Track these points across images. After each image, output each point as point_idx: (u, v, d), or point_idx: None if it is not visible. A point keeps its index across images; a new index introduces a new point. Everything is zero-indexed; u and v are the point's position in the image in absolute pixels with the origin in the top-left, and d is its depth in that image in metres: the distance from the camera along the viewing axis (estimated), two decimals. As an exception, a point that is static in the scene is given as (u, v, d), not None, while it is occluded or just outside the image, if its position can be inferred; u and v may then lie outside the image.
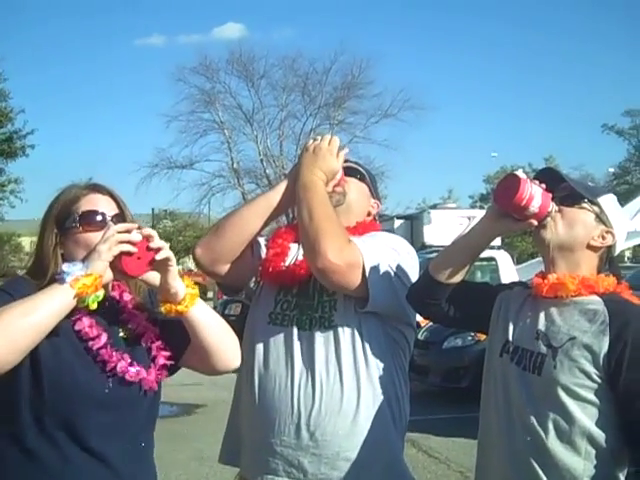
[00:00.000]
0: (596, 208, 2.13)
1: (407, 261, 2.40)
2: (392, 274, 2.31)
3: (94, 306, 1.84)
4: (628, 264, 17.71)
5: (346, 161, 2.48)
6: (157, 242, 1.89)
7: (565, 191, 2.14)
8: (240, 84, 34.40)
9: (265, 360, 2.38)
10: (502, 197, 2.10)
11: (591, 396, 1.97)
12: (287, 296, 2.43)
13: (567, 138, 73.54)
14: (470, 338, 9.22)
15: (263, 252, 2.52)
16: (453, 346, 9.32)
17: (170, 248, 1.94)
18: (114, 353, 1.95)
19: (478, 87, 74.61)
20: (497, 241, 17.86)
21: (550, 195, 2.09)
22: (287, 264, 2.45)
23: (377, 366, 2.33)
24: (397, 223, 18.09)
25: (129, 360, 1.97)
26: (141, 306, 2.08)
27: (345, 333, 2.32)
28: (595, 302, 2.04)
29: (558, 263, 2.12)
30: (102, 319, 1.98)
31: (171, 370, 2.09)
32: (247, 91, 34.32)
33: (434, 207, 21.33)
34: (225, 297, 13.49)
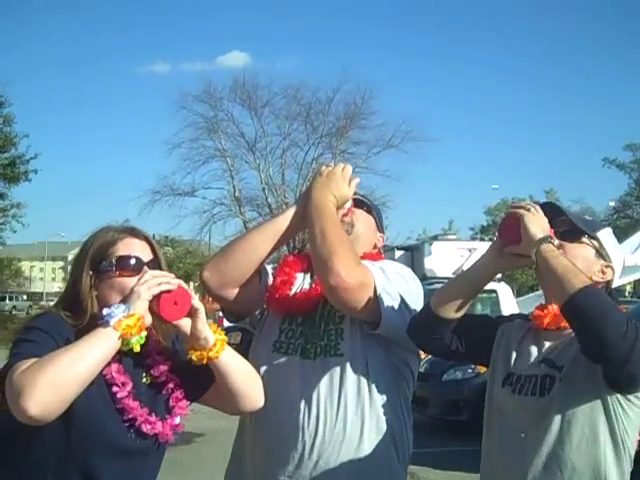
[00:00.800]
0: (596, 243, 2.16)
1: (413, 288, 2.43)
2: (400, 298, 2.33)
3: (137, 348, 1.86)
4: (629, 298, 17.67)
5: (354, 193, 2.50)
6: (190, 290, 1.93)
7: (565, 226, 2.17)
8: (243, 112, 34.57)
9: (269, 389, 2.36)
10: (507, 234, 2.13)
11: (599, 411, 1.98)
12: (292, 325, 2.44)
13: (568, 171, 74.09)
14: (470, 371, 9.18)
15: (270, 280, 2.54)
16: (453, 378, 9.28)
17: None
18: (136, 404, 1.96)
19: (479, 119, 75.19)
20: (498, 273, 17.76)
21: (552, 231, 2.11)
22: (293, 292, 2.48)
23: (381, 396, 2.34)
24: (397, 254, 18.06)
25: (147, 412, 1.98)
26: (166, 353, 2.09)
27: (351, 362, 2.32)
28: None
29: None
30: (128, 365, 1.99)
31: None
32: (250, 119, 34.47)
33: (435, 238, 21.28)
34: (226, 325, 13.45)
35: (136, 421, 1.96)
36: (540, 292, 2.42)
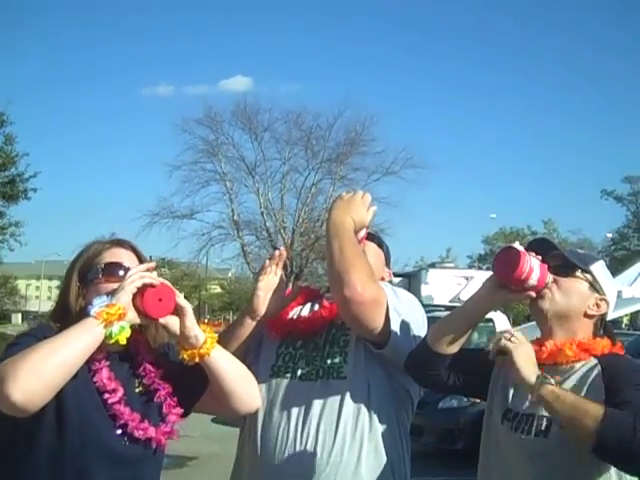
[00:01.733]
0: (589, 276, 2.16)
1: (420, 316, 2.46)
2: (409, 322, 2.35)
3: (123, 341, 1.88)
4: (625, 331, 17.64)
5: (367, 228, 2.55)
6: (174, 288, 1.98)
7: (558, 260, 2.17)
8: (244, 136, 34.75)
9: (268, 412, 2.38)
10: (502, 270, 2.12)
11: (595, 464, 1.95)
12: (289, 348, 2.47)
13: (566, 202, 74.27)
14: (466, 400, 9.09)
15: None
16: (448, 407, 9.23)
17: None
18: (127, 410, 1.98)
19: (478, 148, 75.58)
20: (493, 309, 17.71)
21: (547, 267, 2.12)
22: (292, 316, 2.53)
23: (381, 421, 2.34)
24: (395, 281, 18.08)
25: (139, 418, 1.99)
26: (158, 360, 2.11)
27: (353, 385, 2.33)
28: (591, 363, 2.07)
29: (556, 331, 2.14)
30: (120, 373, 2.02)
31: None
32: (250, 143, 34.65)
33: (432, 266, 21.31)
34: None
35: (128, 427, 1.97)
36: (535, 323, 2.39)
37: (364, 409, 2.33)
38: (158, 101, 61.95)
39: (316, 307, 2.54)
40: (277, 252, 2.50)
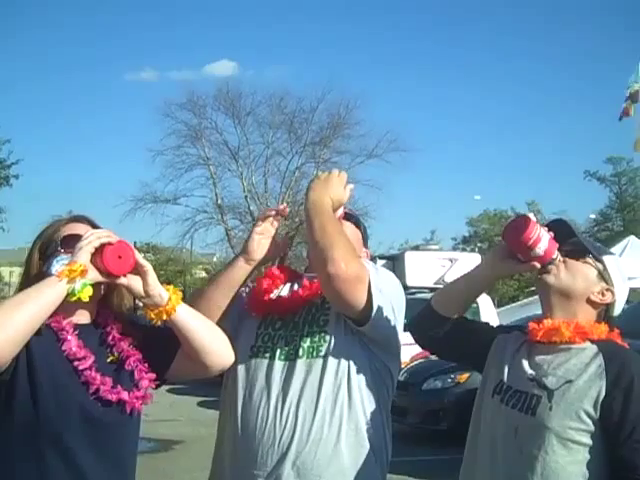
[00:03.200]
0: (600, 265, 2.17)
1: (400, 294, 2.49)
2: (389, 300, 2.38)
3: (86, 298, 1.92)
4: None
5: (344, 207, 2.56)
6: (132, 246, 2.02)
7: (572, 245, 2.21)
8: (227, 120, 34.66)
9: (248, 392, 2.39)
10: (510, 234, 2.17)
11: (584, 439, 1.98)
12: (268, 329, 2.47)
13: (550, 183, 74.29)
14: (450, 380, 9.20)
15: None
16: (432, 388, 9.29)
17: None
18: (98, 376, 2.01)
19: (462, 130, 75.47)
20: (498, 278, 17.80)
21: (556, 244, 2.16)
22: (270, 297, 2.52)
23: (361, 398, 2.36)
24: (379, 263, 18.15)
25: (111, 383, 2.03)
26: (126, 331, 2.15)
27: (332, 363, 2.35)
28: (590, 348, 2.07)
29: (556, 310, 2.17)
30: (89, 343, 2.05)
31: (158, 385, 2.17)
32: (233, 128, 34.57)
33: (416, 248, 21.41)
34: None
35: (100, 391, 2.00)
36: (521, 303, 2.41)
37: (344, 387, 2.34)
38: (142, 87, 61.23)
39: (296, 287, 2.54)
40: (282, 206, 2.53)
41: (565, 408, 2.00)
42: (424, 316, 2.35)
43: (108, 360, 2.09)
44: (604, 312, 2.18)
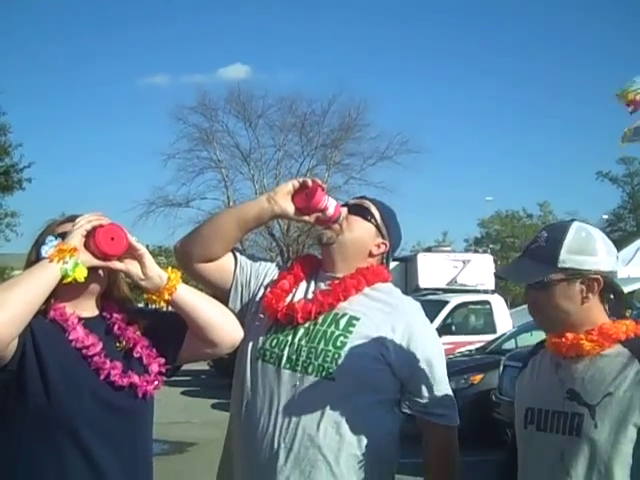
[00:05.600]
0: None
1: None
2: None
3: (81, 279, 1.94)
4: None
5: (364, 197, 2.54)
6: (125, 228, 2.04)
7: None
8: (238, 124, 34.63)
9: (252, 396, 2.37)
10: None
11: (630, 449, 1.87)
12: (278, 333, 2.39)
13: (562, 184, 73.98)
14: (463, 381, 9.17)
15: (249, 273, 2.52)
16: (446, 389, 9.27)
17: None
18: (107, 361, 2.03)
19: (474, 131, 75.22)
20: (491, 285, 17.92)
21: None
22: (290, 299, 2.43)
23: (366, 424, 2.31)
24: (391, 265, 18.08)
25: (121, 368, 2.04)
26: (131, 320, 2.16)
27: (339, 387, 2.29)
28: (622, 353, 1.94)
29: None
30: (96, 334, 2.06)
31: (172, 372, 2.19)
32: (245, 130, 34.54)
33: (429, 250, 21.37)
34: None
35: (110, 376, 2.02)
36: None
37: (349, 412, 2.29)
38: (154, 91, 61.33)
39: (312, 287, 2.46)
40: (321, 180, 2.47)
41: (611, 423, 1.87)
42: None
43: (116, 349, 2.10)
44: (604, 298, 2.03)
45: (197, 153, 34.11)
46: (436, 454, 2.39)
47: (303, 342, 2.35)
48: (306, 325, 2.37)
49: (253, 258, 2.59)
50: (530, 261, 2.01)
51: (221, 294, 2.52)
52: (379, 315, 2.37)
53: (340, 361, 2.30)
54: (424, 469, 2.40)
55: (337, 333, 2.33)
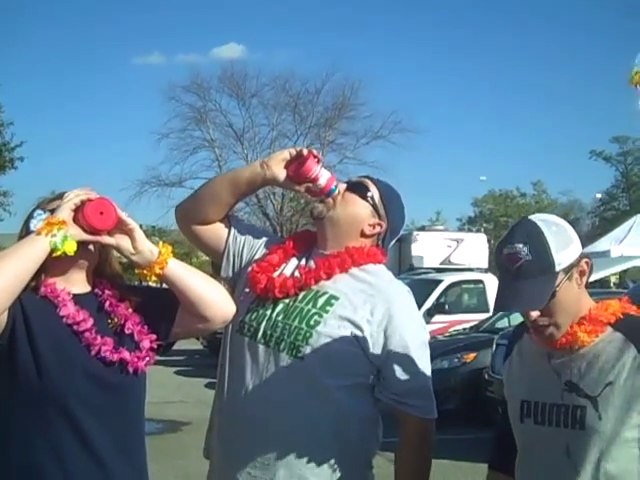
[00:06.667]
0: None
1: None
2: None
3: (71, 252, 1.94)
4: (613, 289, 17.77)
5: (367, 177, 2.50)
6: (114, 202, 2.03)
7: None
8: (231, 103, 34.52)
9: (229, 368, 2.38)
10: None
11: (637, 436, 1.85)
12: (259, 307, 2.36)
13: (555, 163, 74.20)
14: (457, 360, 9.24)
15: (242, 244, 2.50)
16: (439, 368, 9.26)
17: None
18: (98, 337, 2.03)
19: (468, 111, 75.21)
20: (485, 264, 17.98)
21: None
22: (276, 275, 2.39)
23: (334, 401, 2.26)
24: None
25: (112, 344, 2.04)
26: (123, 296, 2.16)
27: (308, 366, 2.25)
28: (615, 337, 1.90)
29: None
30: (87, 310, 2.06)
31: (165, 349, 2.20)
32: (238, 110, 34.43)
33: (422, 229, 21.42)
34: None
35: (101, 351, 2.02)
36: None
37: (316, 394, 2.26)
38: (150, 70, 60.89)
39: (303, 263, 2.42)
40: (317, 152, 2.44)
41: (615, 413, 1.84)
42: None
43: (108, 325, 2.10)
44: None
45: (190, 132, 34.06)
46: (407, 446, 2.32)
47: (280, 318, 2.31)
48: (286, 301, 2.33)
49: (252, 229, 2.57)
50: (527, 281, 1.87)
51: (216, 260, 2.54)
52: (361, 296, 2.30)
53: (310, 340, 2.25)
54: (395, 460, 2.35)
55: (313, 311, 2.28)
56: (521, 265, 1.86)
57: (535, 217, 1.95)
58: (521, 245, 1.87)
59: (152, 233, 39.97)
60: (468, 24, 72.78)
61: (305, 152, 2.37)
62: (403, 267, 17.22)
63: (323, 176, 2.37)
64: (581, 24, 72.54)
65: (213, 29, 65.99)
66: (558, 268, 1.87)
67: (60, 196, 2.08)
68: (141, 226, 2.15)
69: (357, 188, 2.44)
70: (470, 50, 73.91)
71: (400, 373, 2.28)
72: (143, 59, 70.60)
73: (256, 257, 2.47)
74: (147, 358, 2.11)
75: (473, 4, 71.49)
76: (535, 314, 1.90)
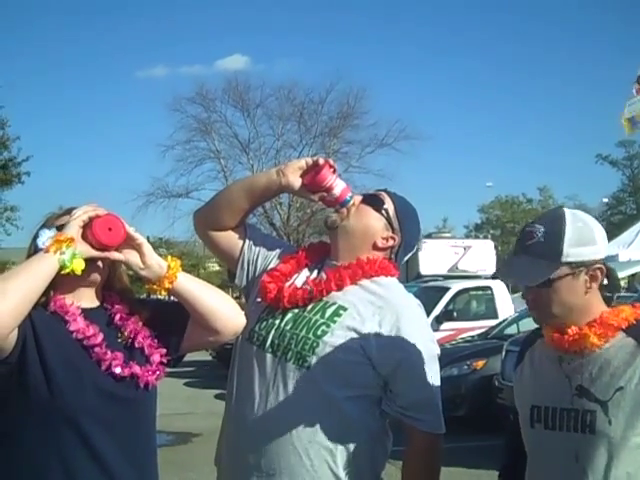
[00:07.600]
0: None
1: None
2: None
3: (79, 271, 1.94)
4: (623, 294, 17.67)
5: (383, 190, 2.50)
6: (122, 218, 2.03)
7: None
8: (236, 113, 34.56)
9: (238, 377, 2.38)
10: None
11: None
12: (269, 316, 2.36)
13: (561, 168, 73.97)
14: (466, 367, 9.22)
15: (257, 252, 2.51)
16: (449, 375, 9.24)
17: None
18: (108, 352, 2.03)
19: (473, 117, 75.25)
20: (493, 270, 17.89)
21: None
22: (288, 284, 2.39)
23: (340, 412, 2.25)
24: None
25: (123, 359, 2.04)
26: (133, 310, 2.16)
27: (313, 376, 2.24)
28: (626, 342, 1.89)
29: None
30: (97, 325, 2.06)
31: (175, 362, 2.20)
32: (243, 120, 34.48)
33: (429, 236, 21.38)
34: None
35: (111, 366, 2.02)
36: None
37: (322, 404, 2.24)
38: (154, 83, 61.22)
39: (314, 275, 2.42)
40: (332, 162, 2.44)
41: (625, 418, 1.83)
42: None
43: (118, 340, 2.10)
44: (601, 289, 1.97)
45: (196, 144, 34.09)
46: (413, 460, 2.31)
47: (288, 327, 2.31)
48: (295, 311, 2.33)
49: (267, 239, 2.59)
50: (530, 258, 1.91)
51: (231, 267, 2.55)
52: (369, 308, 2.28)
53: (317, 350, 2.24)
54: (402, 473, 2.32)
55: (320, 322, 2.28)
56: (532, 244, 1.91)
57: (570, 210, 1.98)
58: (542, 227, 1.92)
59: (159, 245, 40.08)
60: (473, 30, 73.02)
61: (321, 161, 2.38)
62: (411, 275, 17.19)
63: (338, 186, 2.39)
64: (587, 29, 72.62)
65: (217, 41, 66.21)
66: (564, 260, 1.88)
67: (68, 211, 2.08)
68: (148, 238, 2.15)
69: (372, 200, 2.44)
70: (474, 56, 74.03)
71: (406, 386, 2.27)
72: (147, 72, 70.91)
73: (270, 266, 2.47)
74: (157, 372, 2.11)
75: (478, 11, 71.59)
76: (533, 295, 1.94)
